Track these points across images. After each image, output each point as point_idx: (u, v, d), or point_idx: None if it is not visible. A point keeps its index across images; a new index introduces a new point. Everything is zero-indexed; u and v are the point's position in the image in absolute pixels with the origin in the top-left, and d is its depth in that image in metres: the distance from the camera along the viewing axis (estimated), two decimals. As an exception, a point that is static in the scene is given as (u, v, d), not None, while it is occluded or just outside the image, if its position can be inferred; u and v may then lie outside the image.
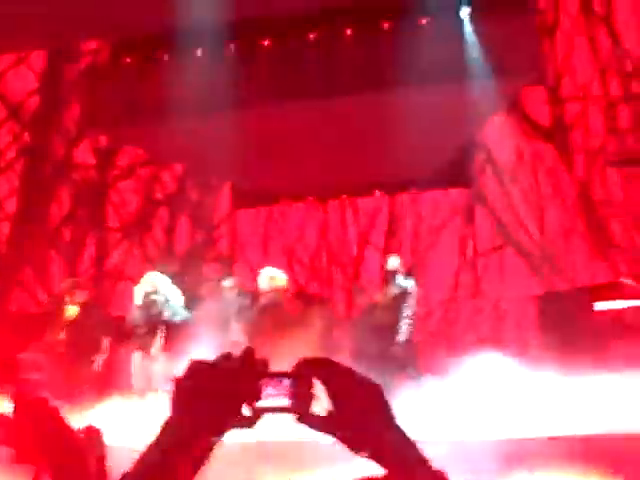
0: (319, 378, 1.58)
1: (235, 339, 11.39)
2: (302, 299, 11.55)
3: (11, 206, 14.86)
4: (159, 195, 17.31)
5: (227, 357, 1.58)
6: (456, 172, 16.53)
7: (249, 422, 1.57)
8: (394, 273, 11.43)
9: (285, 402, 1.56)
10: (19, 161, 15.05)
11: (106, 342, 11.07)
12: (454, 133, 14.92)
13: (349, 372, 1.59)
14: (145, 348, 11.03)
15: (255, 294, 11.38)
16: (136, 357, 11.09)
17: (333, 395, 1.57)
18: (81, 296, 11.26)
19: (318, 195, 17.79)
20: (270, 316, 10.81)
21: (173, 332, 11.11)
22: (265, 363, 1.59)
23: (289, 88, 13.80)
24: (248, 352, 1.58)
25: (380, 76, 13.60)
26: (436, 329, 17.09)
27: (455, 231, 17.65)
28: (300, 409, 1.56)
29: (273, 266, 12.17)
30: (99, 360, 10.91)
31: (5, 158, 14.96)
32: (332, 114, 14.02)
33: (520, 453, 7.70)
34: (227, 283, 12.13)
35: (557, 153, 16.24)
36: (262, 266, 12.86)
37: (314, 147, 14.55)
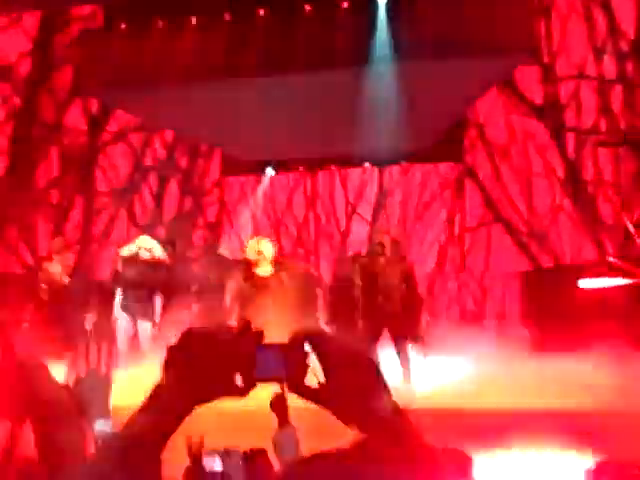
0: (312, 349, 1.59)
1: (225, 307, 11.43)
2: (286, 268, 11.53)
3: (-1, 168, 14.83)
4: (149, 161, 17.28)
5: (222, 326, 1.58)
6: (447, 147, 16.54)
7: (241, 391, 1.57)
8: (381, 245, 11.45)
9: (278, 372, 1.57)
10: (8, 124, 14.98)
11: (92, 305, 11.05)
12: (447, 108, 14.91)
13: (342, 343, 1.60)
14: (132, 312, 11.04)
15: (242, 263, 11.39)
16: (122, 322, 11.09)
17: (325, 366, 1.58)
18: (68, 257, 11.26)
19: (307, 165, 17.79)
20: (256, 286, 10.83)
21: (163, 297, 11.14)
22: (260, 334, 1.59)
23: (281, 57, 13.75)
24: (243, 322, 1.59)
25: (374, 48, 13.57)
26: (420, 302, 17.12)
27: (443, 205, 17.67)
28: (293, 379, 1.57)
29: (261, 235, 12.18)
30: (88, 322, 10.89)
31: (-6, 120, 14.90)
32: (325, 85, 13.98)
33: (504, 426, 7.77)
34: (222, 251, 12.18)
35: (549, 131, 16.24)
36: (249, 234, 12.93)
37: (305, 117, 14.53)
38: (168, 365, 1.57)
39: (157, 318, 11.07)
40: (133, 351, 11.11)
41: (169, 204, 17.66)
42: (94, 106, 16.06)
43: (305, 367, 1.58)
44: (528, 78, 16.00)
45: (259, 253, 10.83)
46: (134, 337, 11.10)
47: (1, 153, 14.88)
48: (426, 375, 11.19)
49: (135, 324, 11.07)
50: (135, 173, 16.98)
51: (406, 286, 11.34)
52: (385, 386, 1.61)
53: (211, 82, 13.96)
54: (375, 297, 11.26)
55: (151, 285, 10.96)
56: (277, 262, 11.13)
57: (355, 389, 1.57)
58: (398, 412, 1.59)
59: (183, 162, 17.98)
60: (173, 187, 17.78)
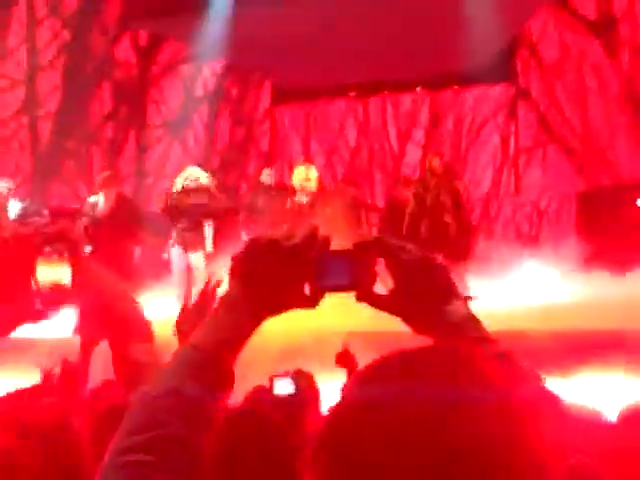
0: (381, 255, 1.54)
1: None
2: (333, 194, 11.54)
3: (52, 104, 14.90)
4: (200, 92, 17.28)
5: (288, 235, 1.52)
6: (499, 68, 16.33)
7: (311, 301, 1.52)
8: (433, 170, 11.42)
9: (347, 280, 1.51)
10: (60, 59, 15.03)
11: (141, 235, 11.13)
12: (497, 28, 14.71)
13: (412, 249, 1.55)
14: (185, 243, 11.09)
15: (288, 190, 11.42)
16: (175, 252, 11.15)
17: (396, 272, 1.53)
18: (112, 191, 11.32)
19: (359, 91, 17.68)
20: (301, 212, 10.84)
21: (214, 227, 11.16)
22: (326, 240, 1.53)
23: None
24: (310, 230, 1.53)
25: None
26: (476, 225, 17.07)
27: (497, 128, 17.50)
28: (362, 287, 1.52)
29: (313, 163, 12.17)
30: (136, 253, 11.00)
31: (46, 56, 14.94)
32: (374, 9, 13.86)
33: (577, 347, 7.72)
34: (264, 177, 12.18)
35: (603, 48, 15.94)
36: (301, 163, 12.92)
37: (355, 43, 14.42)
38: (234, 276, 1.51)
39: (209, 247, 11.10)
40: (186, 281, 11.19)
41: (221, 135, 17.69)
42: (143, 38, 16.06)
43: (374, 274, 1.53)
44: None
45: (306, 179, 10.84)
46: (187, 267, 11.16)
47: (54, 88, 14.96)
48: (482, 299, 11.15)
49: (187, 254, 11.12)
50: (186, 104, 17.00)
51: (457, 209, 11.28)
52: (457, 291, 1.56)
53: (258, 8, 13.89)
54: (426, 220, 11.23)
55: (199, 214, 10.99)
56: (323, 188, 11.13)
57: (428, 294, 1.53)
58: (472, 318, 1.55)
59: (234, 91, 17.96)
60: (225, 117, 17.79)
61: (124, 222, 11.05)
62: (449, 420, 1.11)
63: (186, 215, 11.00)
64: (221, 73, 17.49)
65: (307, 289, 1.52)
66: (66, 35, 15.17)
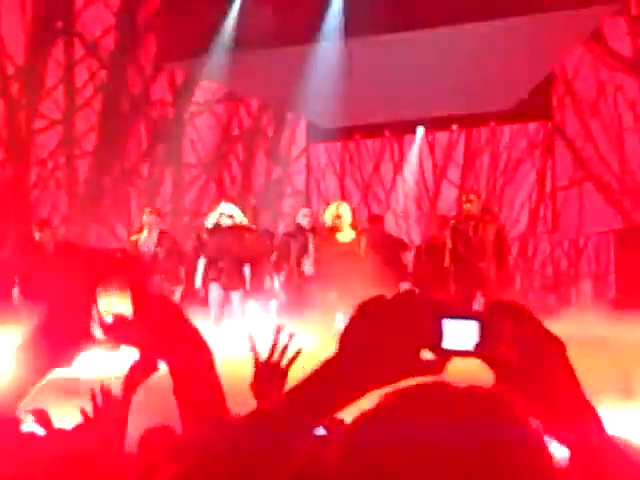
0: (509, 322, 1.40)
1: (306, 272, 11.44)
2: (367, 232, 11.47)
3: (89, 143, 15.01)
4: (235, 131, 17.35)
5: (402, 296, 1.37)
6: (535, 105, 16.30)
7: (436, 367, 1.37)
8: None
9: (472, 345, 1.38)
10: (97, 98, 15.15)
11: (182, 272, 11.14)
12: (533, 65, 14.69)
13: (538, 322, 1.43)
14: (224, 282, 11.08)
15: (320, 228, 11.37)
16: (213, 289, 11.15)
17: (520, 343, 1.40)
18: (156, 227, 11.35)
19: (394, 130, 17.69)
20: (329, 248, 10.77)
21: (250, 264, 11.16)
22: (443, 302, 1.40)
23: (365, 22, 13.68)
24: (422, 290, 1.45)
25: (459, 9, 13.42)
26: (513, 264, 16.97)
27: (533, 165, 17.43)
28: (489, 352, 1.39)
29: (348, 201, 12.13)
30: (178, 291, 10.99)
31: (83, 95, 15.07)
32: (409, 47, 13.88)
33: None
34: (300, 217, 12.14)
35: (639, 84, 15.89)
36: (337, 200, 12.88)
37: (390, 81, 14.44)
38: (343, 344, 1.36)
39: (247, 285, 11.10)
40: (224, 320, 11.18)
41: (257, 173, 17.73)
42: (179, 77, 16.16)
43: (503, 341, 1.40)
44: (616, 30, 15.64)
45: (338, 217, 10.75)
46: (224, 305, 11.15)
47: (91, 127, 15.07)
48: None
49: (225, 292, 11.11)
50: (222, 143, 17.07)
51: (497, 247, 11.17)
52: (576, 378, 1.43)
53: (294, 48, 13.95)
54: (466, 259, 11.13)
55: (235, 252, 11.00)
56: (357, 226, 11.05)
57: (547, 372, 1.41)
58: (588, 409, 1.43)
59: (269, 130, 18.02)
60: (260, 156, 17.83)
61: (168, 260, 11.07)
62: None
63: (221, 253, 11.00)
64: (257, 112, 17.57)
65: (429, 354, 1.38)
66: (103, 75, 15.30)
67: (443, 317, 1.38)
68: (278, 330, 2.56)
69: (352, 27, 13.76)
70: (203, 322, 10.69)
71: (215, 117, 16.90)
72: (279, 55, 14.13)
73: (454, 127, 17.60)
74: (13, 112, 14.00)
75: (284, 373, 2.55)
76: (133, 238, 11.43)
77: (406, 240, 15.63)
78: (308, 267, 11.39)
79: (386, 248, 11.99)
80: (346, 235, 10.80)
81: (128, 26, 15.33)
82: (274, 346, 2.54)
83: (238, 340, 10.67)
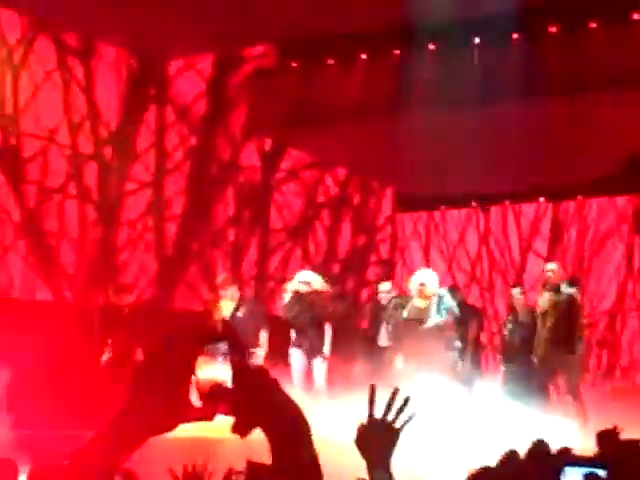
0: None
1: (384, 344, 11.43)
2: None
3: (178, 207, 15.22)
4: (322, 198, 17.45)
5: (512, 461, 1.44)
6: (624, 179, 16.15)
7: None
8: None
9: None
10: (186, 163, 15.38)
11: (264, 336, 11.15)
12: (623, 140, 14.58)
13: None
14: (303, 345, 11.12)
15: (406, 297, 11.33)
16: (295, 354, 11.18)
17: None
18: (235, 291, 11.40)
19: (480, 200, 17.64)
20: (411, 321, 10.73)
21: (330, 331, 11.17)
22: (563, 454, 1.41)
23: (450, 93, 13.73)
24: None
25: (549, 82, 13.42)
26: (602, 339, 16.69)
27: (621, 239, 17.21)
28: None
29: (433, 270, 12.09)
30: (258, 354, 10.99)
31: (173, 160, 15.32)
32: (496, 118, 13.89)
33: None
34: (383, 287, 12.15)
35: None
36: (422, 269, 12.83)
37: (477, 151, 14.42)
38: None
39: (327, 351, 11.11)
40: (308, 387, 11.17)
41: (342, 241, 17.77)
42: (268, 144, 16.36)
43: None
44: None
45: (422, 284, 10.71)
46: (308, 372, 11.16)
47: (180, 191, 15.28)
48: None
49: (307, 359, 11.14)
50: (308, 210, 17.18)
51: (569, 321, 10.93)
52: None
53: (381, 117, 14.05)
54: (545, 334, 10.96)
55: (312, 318, 11.05)
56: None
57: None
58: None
59: (355, 198, 18.09)
60: (346, 224, 17.89)
61: (248, 323, 11.11)
62: None
63: (299, 319, 11.06)
64: (343, 180, 17.68)
65: None
66: (193, 140, 15.54)
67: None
68: (395, 392, 2.54)
69: (433, 97, 13.82)
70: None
71: (302, 184, 17.03)
72: (366, 123, 14.25)
73: (541, 200, 17.49)
74: (105, 175, 14.27)
75: (397, 434, 2.52)
76: (221, 305, 11.44)
77: (490, 311, 15.53)
78: (382, 339, 11.45)
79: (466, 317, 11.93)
80: (422, 301, 10.75)
81: (219, 93, 15.59)
82: (389, 406, 2.52)
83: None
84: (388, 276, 16.04)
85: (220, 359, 1.73)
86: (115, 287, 11.78)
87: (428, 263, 17.46)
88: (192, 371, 1.72)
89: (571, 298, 11.04)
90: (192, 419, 1.84)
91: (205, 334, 1.77)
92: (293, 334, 11.34)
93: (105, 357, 10.79)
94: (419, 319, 10.59)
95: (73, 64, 14.02)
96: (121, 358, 10.50)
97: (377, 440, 2.50)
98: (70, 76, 13.96)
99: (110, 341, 10.81)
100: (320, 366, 11.10)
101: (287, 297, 11.34)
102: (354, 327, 12.35)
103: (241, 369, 1.75)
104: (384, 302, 11.76)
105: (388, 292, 11.92)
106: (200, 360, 1.78)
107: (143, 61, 14.79)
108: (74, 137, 13.97)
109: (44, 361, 10.62)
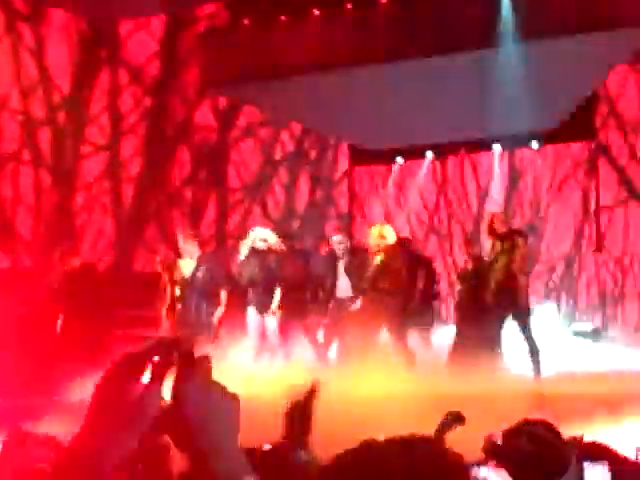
0: None
1: (342, 295, 11.49)
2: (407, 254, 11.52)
3: (134, 168, 15.19)
4: (278, 155, 17.46)
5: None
6: (578, 125, 16.23)
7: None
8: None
9: None
10: (141, 124, 15.34)
11: (223, 295, 11.16)
12: (576, 85, 14.65)
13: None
14: (259, 304, 11.16)
15: (364, 250, 11.41)
16: (250, 313, 11.22)
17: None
18: (195, 250, 11.36)
19: (436, 151, 17.68)
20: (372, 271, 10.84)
21: (283, 288, 11.21)
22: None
23: (402, 46, 13.74)
24: None
25: (498, 31, 13.45)
26: (558, 284, 16.91)
27: (578, 185, 17.35)
28: None
29: (392, 223, 12.16)
30: (217, 314, 11.01)
31: (128, 122, 15.27)
32: (450, 70, 13.91)
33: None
34: (336, 238, 12.14)
35: (683, 103, 15.80)
36: (380, 222, 12.90)
37: (432, 104, 14.47)
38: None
39: (274, 307, 11.14)
40: (262, 343, 11.25)
41: (300, 197, 17.81)
42: (223, 103, 16.31)
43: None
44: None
45: (382, 237, 10.82)
46: (262, 330, 11.22)
47: (136, 153, 15.25)
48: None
49: (261, 317, 11.19)
50: (265, 167, 17.19)
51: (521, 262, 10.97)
52: None
53: (336, 73, 14.04)
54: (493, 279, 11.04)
55: (268, 276, 11.08)
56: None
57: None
58: None
59: (312, 154, 18.11)
60: (303, 179, 17.92)
61: (208, 283, 11.11)
62: None
63: (255, 277, 11.09)
64: (299, 136, 17.67)
65: None
66: (147, 101, 15.49)
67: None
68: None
69: (393, 51, 13.83)
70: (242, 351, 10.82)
71: (258, 141, 17.02)
72: (319, 79, 14.24)
73: (496, 147, 17.57)
74: (59, 139, 14.21)
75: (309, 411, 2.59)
76: (179, 263, 11.42)
77: (449, 261, 15.65)
78: (340, 290, 11.50)
79: (414, 268, 12.04)
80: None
81: (171, 53, 15.52)
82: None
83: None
84: (346, 229, 16.12)
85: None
86: (60, 251, 11.66)
87: (386, 215, 17.54)
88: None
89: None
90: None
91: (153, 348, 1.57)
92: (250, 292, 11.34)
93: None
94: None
95: (22, 29, 13.90)
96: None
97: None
98: (20, 41, 13.85)
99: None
100: (273, 324, 11.15)
101: (243, 254, 11.32)
102: (306, 282, 12.28)
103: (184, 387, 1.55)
104: (339, 253, 11.76)
105: (340, 242, 11.90)
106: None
107: (94, 24, 14.69)
108: (26, 103, 13.88)
109: (4, 329, 10.61)
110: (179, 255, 11.47)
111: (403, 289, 11.03)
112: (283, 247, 11.37)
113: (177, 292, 11.07)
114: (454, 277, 15.22)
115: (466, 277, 12.02)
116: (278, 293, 11.15)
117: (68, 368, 10.02)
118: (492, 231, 11.11)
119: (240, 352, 10.80)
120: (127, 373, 1.40)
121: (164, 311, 11.09)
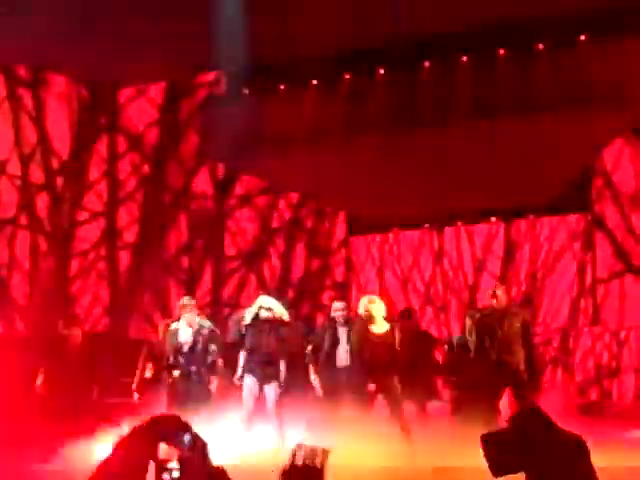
0: None
1: (341, 365, 11.39)
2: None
3: (131, 235, 15.19)
4: (275, 223, 17.47)
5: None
6: (574, 197, 16.30)
7: None
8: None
9: None
10: (139, 191, 15.38)
11: (220, 364, 11.10)
12: (572, 158, 14.75)
13: None
14: (260, 375, 11.02)
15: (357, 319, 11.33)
16: (248, 381, 11.08)
17: None
18: (193, 318, 11.29)
19: (433, 222, 17.71)
20: (359, 340, 10.78)
21: (287, 357, 11.12)
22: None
23: (402, 117, 13.85)
24: None
25: (496, 104, 13.57)
26: (554, 357, 16.82)
27: (574, 257, 17.34)
28: None
29: (388, 293, 12.11)
30: (214, 383, 10.96)
31: (126, 188, 15.30)
32: (446, 142, 14.00)
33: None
34: (337, 305, 12.06)
35: (680, 177, 15.89)
36: (376, 292, 12.88)
37: (428, 175, 14.54)
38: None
39: (281, 379, 11.01)
40: (259, 412, 11.12)
41: (296, 265, 17.78)
42: (220, 170, 16.36)
43: None
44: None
45: (370, 302, 10.78)
46: (259, 398, 11.08)
47: (133, 220, 15.26)
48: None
49: (260, 385, 11.05)
50: (262, 235, 17.18)
51: (523, 339, 10.88)
52: None
53: (333, 142, 14.12)
54: (490, 352, 10.92)
55: (272, 344, 11.00)
56: (391, 319, 11.02)
57: None
58: None
59: (309, 223, 18.11)
60: (300, 248, 17.90)
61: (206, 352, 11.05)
62: None
63: (258, 345, 10.99)
64: (296, 204, 17.69)
65: None
66: (145, 168, 15.54)
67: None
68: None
69: (392, 122, 13.93)
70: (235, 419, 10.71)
71: (255, 209, 17.04)
72: (317, 148, 14.32)
73: (493, 219, 17.61)
74: (57, 205, 14.23)
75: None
76: (172, 327, 11.33)
77: (445, 332, 15.58)
78: (338, 359, 11.39)
79: (418, 343, 11.98)
80: (380, 327, 10.76)
81: (170, 120, 15.61)
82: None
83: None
84: (343, 299, 16.06)
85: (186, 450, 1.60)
86: (64, 319, 11.67)
87: (383, 285, 17.50)
88: (145, 470, 1.67)
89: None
90: None
91: (161, 430, 1.65)
92: (241, 359, 11.19)
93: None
94: (373, 342, 10.68)
95: (23, 94, 13.99)
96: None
97: None
98: (20, 106, 13.92)
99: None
100: (274, 395, 10.99)
101: (247, 320, 11.20)
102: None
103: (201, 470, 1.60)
104: (339, 320, 11.68)
105: (342, 310, 11.83)
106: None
107: (93, 90, 14.79)
108: (25, 167, 13.92)
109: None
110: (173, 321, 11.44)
111: (402, 361, 10.96)
112: (288, 318, 11.29)
113: (171, 359, 11.01)
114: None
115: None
116: (283, 365, 11.03)
117: (50, 435, 9.99)
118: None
119: (235, 421, 10.69)
120: (135, 446, 1.42)
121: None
